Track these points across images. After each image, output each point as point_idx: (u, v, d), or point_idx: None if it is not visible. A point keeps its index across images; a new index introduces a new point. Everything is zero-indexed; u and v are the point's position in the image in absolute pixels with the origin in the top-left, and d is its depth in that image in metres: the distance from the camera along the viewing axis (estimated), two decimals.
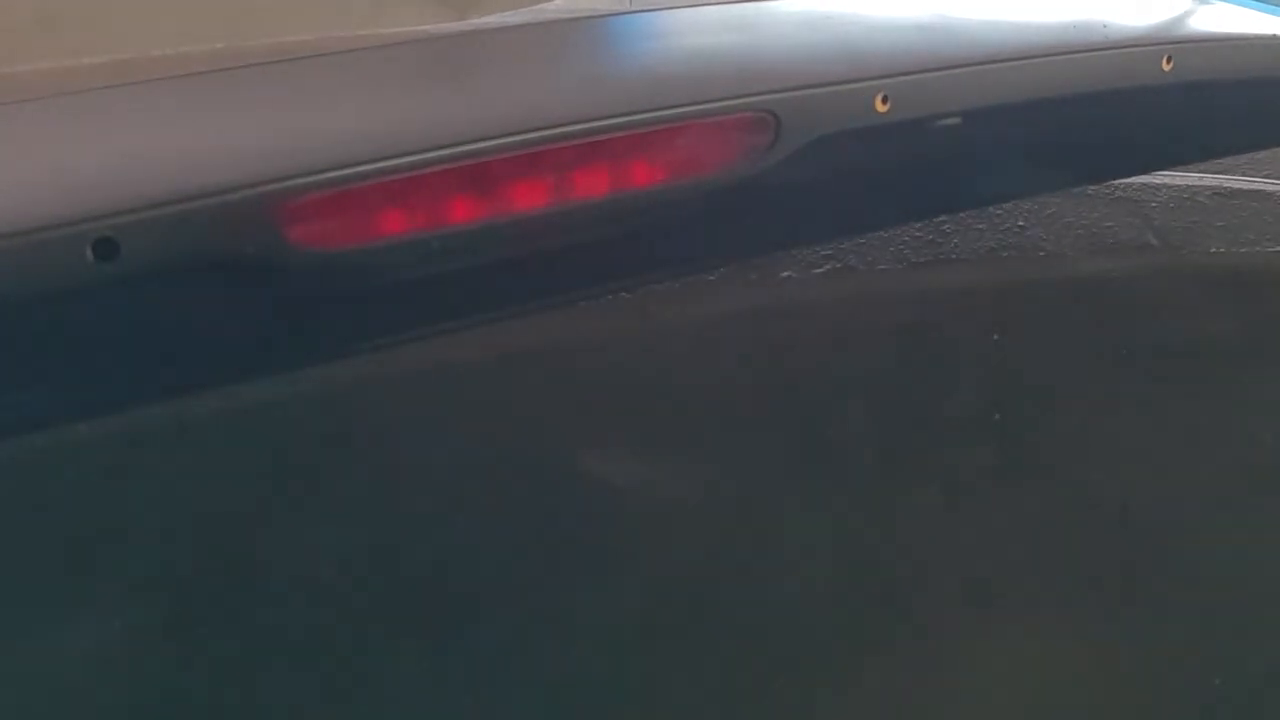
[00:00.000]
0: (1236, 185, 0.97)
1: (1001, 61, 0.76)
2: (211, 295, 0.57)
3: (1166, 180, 0.93)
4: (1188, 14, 0.91)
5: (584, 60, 0.72)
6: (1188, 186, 0.94)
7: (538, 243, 0.63)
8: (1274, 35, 0.92)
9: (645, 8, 0.79)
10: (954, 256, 0.83)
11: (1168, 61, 0.81)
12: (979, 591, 0.82)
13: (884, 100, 0.70)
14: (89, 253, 0.51)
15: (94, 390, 0.59)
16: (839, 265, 0.78)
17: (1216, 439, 0.94)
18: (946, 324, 0.84)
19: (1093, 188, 0.91)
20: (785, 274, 0.77)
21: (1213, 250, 0.95)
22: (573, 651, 0.71)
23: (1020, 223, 0.87)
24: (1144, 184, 0.92)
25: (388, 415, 0.67)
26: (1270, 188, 0.99)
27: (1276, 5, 1.04)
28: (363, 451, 0.66)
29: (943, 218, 0.83)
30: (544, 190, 0.61)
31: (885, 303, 0.82)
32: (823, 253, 0.78)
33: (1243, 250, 0.96)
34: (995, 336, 0.82)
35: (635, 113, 0.62)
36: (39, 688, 0.61)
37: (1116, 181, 0.92)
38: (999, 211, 0.86)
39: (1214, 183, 0.96)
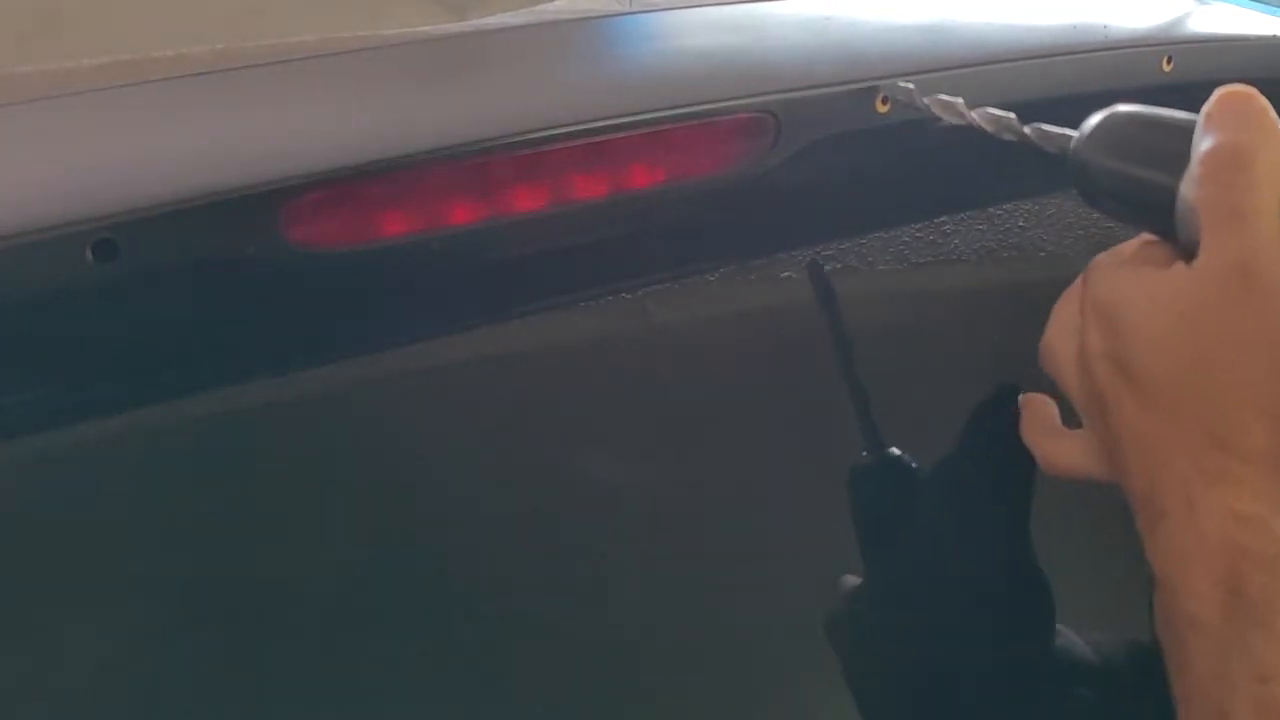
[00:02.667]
0: None
1: (1001, 62, 0.76)
2: (211, 296, 0.57)
3: None
4: (1188, 14, 0.91)
5: (584, 61, 0.72)
6: None
7: (537, 244, 0.63)
8: (1274, 35, 0.92)
9: (645, 8, 0.79)
10: (954, 257, 0.83)
11: (1168, 62, 0.81)
12: (980, 592, 0.82)
13: (884, 101, 0.70)
14: (88, 254, 0.51)
15: (94, 392, 0.59)
16: (839, 266, 0.78)
17: None
18: (947, 325, 0.84)
19: None
20: (785, 274, 0.77)
21: None
22: (571, 653, 0.71)
23: (1021, 223, 0.87)
24: None
25: (387, 417, 0.67)
26: None
27: (1276, 5, 1.04)
28: (362, 453, 0.66)
29: (943, 218, 0.83)
30: (543, 191, 0.61)
31: (885, 303, 0.82)
32: (823, 253, 0.78)
33: None
34: (995, 337, 0.82)
35: (635, 113, 0.62)
36: (41, 689, 0.61)
37: None
38: (999, 212, 0.86)
39: None
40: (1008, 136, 0.64)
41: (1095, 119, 0.58)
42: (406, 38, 0.70)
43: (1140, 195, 0.56)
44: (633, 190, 0.64)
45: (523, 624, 0.69)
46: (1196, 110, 0.55)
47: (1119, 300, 0.55)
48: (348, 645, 0.66)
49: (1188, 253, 0.53)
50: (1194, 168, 0.52)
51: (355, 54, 0.66)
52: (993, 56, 0.76)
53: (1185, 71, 0.80)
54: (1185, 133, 0.54)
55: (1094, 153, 0.58)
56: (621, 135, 0.62)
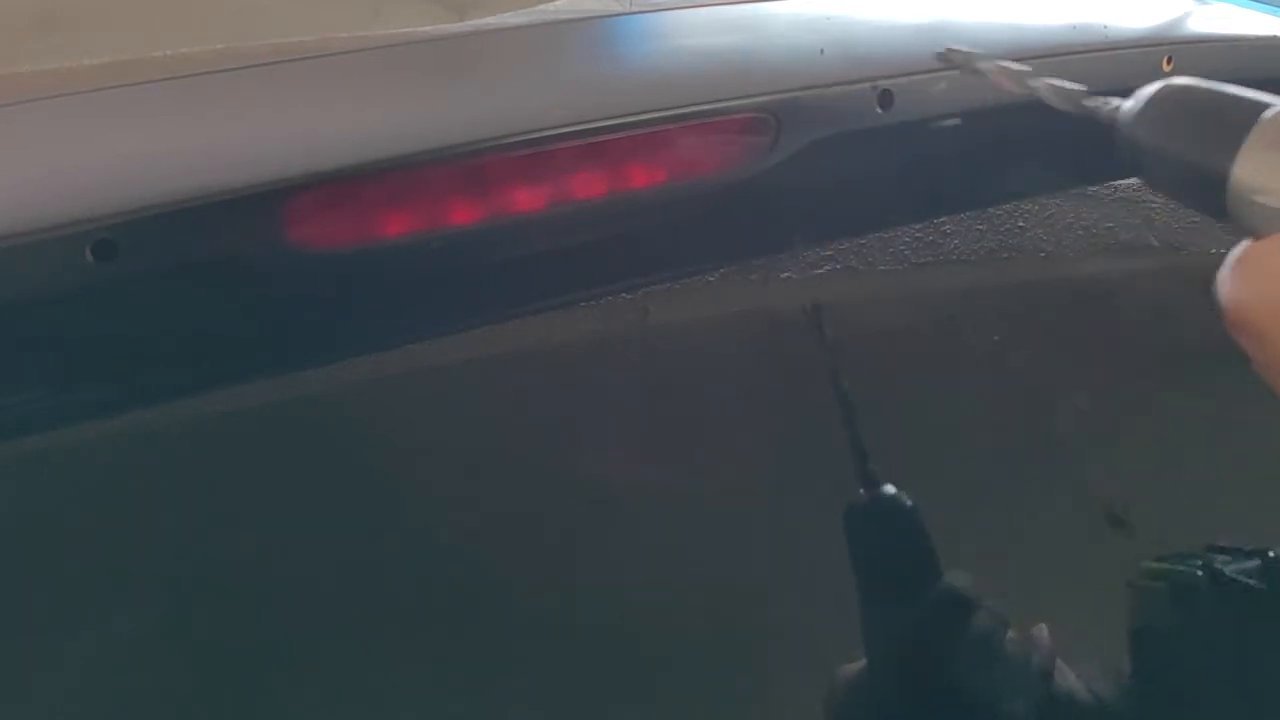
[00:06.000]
0: None
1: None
2: (211, 296, 0.57)
3: None
4: (1188, 14, 0.91)
5: (584, 61, 0.72)
6: None
7: (537, 244, 0.63)
8: (1274, 35, 0.92)
9: (645, 8, 0.79)
10: (954, 257, 0.83)
11: (1168, 62, 0.81)
12: (981, 592, 0.82)
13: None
14: (88, 254, 0.51)
15: (93, 391, 0.59)
16: (839, 266, 0.78)
17: (1216, 439, 0.94)
18: (946, 325, 0.84)
19: (1093, 188, 0.91)
20: (785, 274, 0.77)
21: (1213, 250, 0.95)
22: (568, 651, 0.71)
23: (1020, 223, 0.87)
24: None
25: (387, 416, 0.67)
26: None
27: (1276, 5, 1.04)
28: (362, 452, 0.66)
29: (943, 219, 0.83)
30: (544, 191, 0.61)
31: (885, 303, 0.82)
32: (823, 253, 0.78)
33: None
34: (995, 338, 0.82)
35: (635, 113, 0.62)
36: (40, 688, 0.61)
37: (1117, 182, 0.92)
38: (999, 212, 0.86)
39: None
40: (1062, 106, 0.61)
41: (1149, 90, 0.56)
42: (406, 38, 0.70)
43: (1190, 175, 0.54)
44: (633, 190, 0.64)
45: (521, 622, 0.69)
46: None
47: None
48: (347, 643, 0.66)
49: (1241, 235, 0.51)
50: None
51: (355, 54, 0.66)
52: (992, 56, 0.75)
53: (1185, 71, 0.80)
54: (1242, 109, 0.51)
55: (1142, 128, 0.56)
56: (621, 135, 0.62)
